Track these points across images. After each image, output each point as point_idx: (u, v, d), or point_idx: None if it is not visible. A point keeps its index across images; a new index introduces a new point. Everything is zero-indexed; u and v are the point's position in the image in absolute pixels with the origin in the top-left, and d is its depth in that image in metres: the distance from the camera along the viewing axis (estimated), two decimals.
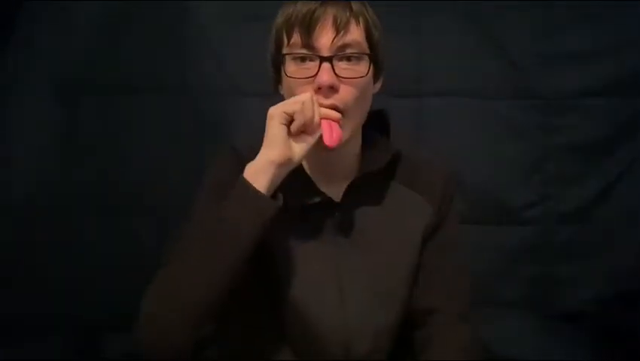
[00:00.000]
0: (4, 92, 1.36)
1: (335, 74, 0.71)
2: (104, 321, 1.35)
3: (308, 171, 0.81)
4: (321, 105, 0.72)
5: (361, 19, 0.73)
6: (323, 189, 0.79)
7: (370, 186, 0.81)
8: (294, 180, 0.77)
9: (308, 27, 0.70)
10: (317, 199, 0.78)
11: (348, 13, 0.72)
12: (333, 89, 0.71)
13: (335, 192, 0.80)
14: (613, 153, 1.38)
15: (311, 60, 0.72)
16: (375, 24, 0.76)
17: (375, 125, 0.83)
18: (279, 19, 0.75)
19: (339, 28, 0.70)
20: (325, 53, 0.71)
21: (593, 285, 1.38)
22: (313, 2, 0.72)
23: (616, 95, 1.37)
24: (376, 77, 0.78)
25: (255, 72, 1.25)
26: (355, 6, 0.74)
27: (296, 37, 0.72)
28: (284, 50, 0.74)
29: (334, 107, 0.72)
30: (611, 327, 1.37)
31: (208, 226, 0.71)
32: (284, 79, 0.75)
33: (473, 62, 1.39)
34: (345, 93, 0.72)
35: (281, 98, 0.76)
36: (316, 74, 0.71)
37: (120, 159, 1.38)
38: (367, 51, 0.74)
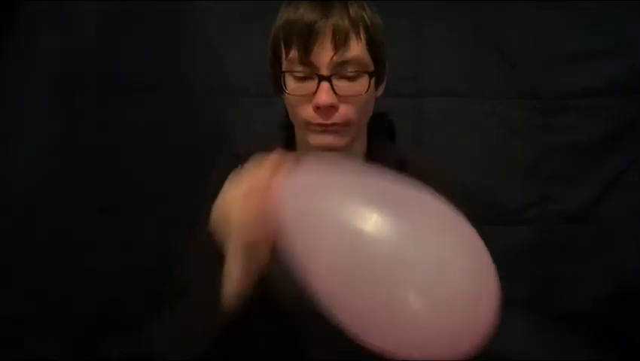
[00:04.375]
0: (4, 92, 1.36)
1: (334, 92, 0.69)
2: (104, 321, 1.35)
3: None
4: (321, 125, 0.70)
5: (361, 30, 0.70)
6: None
7: None
8: None
9: (306, 44, 0.68)
10: None
11: (347, 24, 0.68)
12: (333, 108, 0.70)
13: None
14: (613, 153, 1.38)
15: (310, 77, 0.70)
16: (376, 28, 0.73)
17: (380, 128, 0.82)
18: (278, 22, 0.73)
19: (339, 45, 0.68)
20: (324, 72, 0.68)
21: (593, 285, 1.38)
22: (312, 10, 0.69)
23: (616, 95, 1.37)
24: (379, 82, 0.77)
25: (255, 72, 1.26)
26: (354, 11, 0.70)
27: (294, 53, 0.69)
28: (283, 65, 0.72)
29: (335, 125, 0.71)
30: (611, 327, 1.37)
31: (198, 289, 0.71)
32: (285, 93, 0.73)
33: (473, 62, 1.39)
34: (346, 110, 0.71)
35: (282, 102, 0.76)
36: (315, 92, 0.69)
37: (120, 158, 1.38)
38: (368, 67, 0.71)
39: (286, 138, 0.83)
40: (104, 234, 1.37)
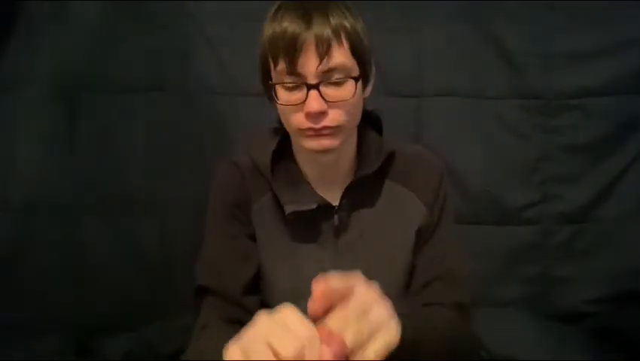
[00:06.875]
0: (5, 92, 1.36)
1: (323, 98, 0.72)
2: (104, 321, 1.35)
3: (307, 177, 0.83)
4: (313, 130, 0.72)
5: (343, 37, 0.72)
6: (322, 192, 0.82)
7: (365, 187, 0.83)
8: (294, 186, 0.79)
9: (292, 55, 0.70)
10: (314, 205, 0.79)
11: (329, 33, 0.71)
12: (322, 114, 0.72)
13: (333, 194, 0.82)
14: (613, 153, 1.38)
15: (299, 87, 0.72)
16: (357, 32, 0.74)
17: (369, 124, 0.85)
18: (265, 36, 0.74)
19: (322, 54, 0.70)
20: (311, 80, 0.71)
21: (593, 285, 1.38)
22: (294, 23, 0.71)
23: (616, 94, 1.37)
24: (365, 84, 0.78)
25: (255, 72, 1.25)
26: (334, 19, 0.72)
27: (281, 65, 0.72)
28: (273, 77, 0.75)
29: (326, 128, 0.73)
30: (611, 327, 1.36)
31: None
32: (277, 102, 0.75)
33: (474, 62, 1.39)
34: (335, 114, 0.73)
35: (275, 108, 0.77)
36: (305, 100, 0.72)
37: (120, 158, 1.38)
38: (353, 72, 0.74)
39: (282, 142, 0.84)
40: (103, 234, 1.37)
